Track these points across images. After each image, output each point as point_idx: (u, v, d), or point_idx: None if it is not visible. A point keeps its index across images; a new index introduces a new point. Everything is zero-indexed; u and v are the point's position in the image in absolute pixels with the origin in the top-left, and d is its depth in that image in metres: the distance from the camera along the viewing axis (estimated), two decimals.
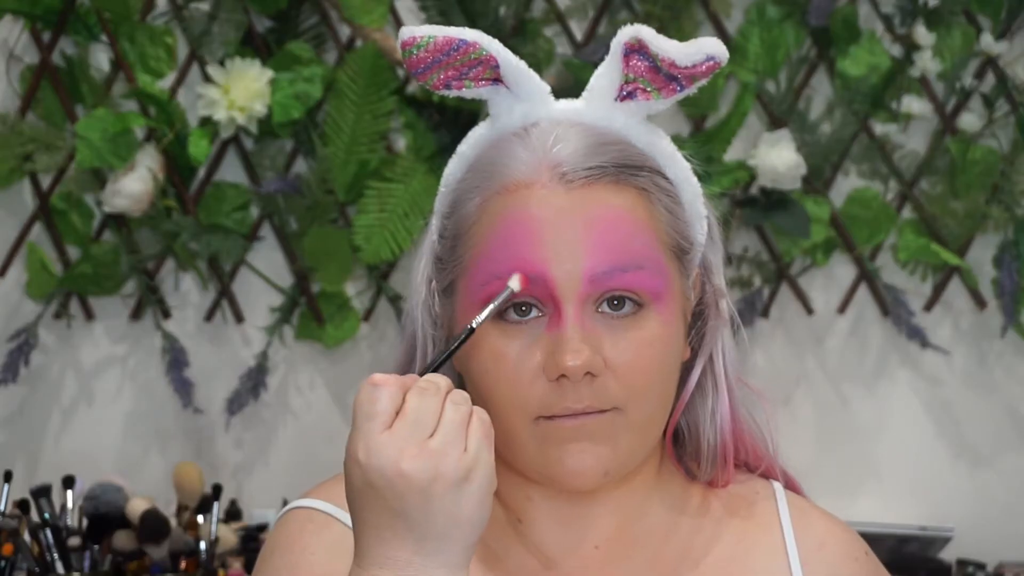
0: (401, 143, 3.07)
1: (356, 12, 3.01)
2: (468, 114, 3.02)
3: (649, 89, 1.33)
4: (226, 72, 2.99)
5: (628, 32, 1.32)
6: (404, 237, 3.02)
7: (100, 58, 3.09)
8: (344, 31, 3.08)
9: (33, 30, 3.06)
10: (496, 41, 1.33)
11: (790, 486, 1.44)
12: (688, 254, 1.35)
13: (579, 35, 3.05)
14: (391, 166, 3.04)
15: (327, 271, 3.05)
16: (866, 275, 3.07)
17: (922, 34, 3.00)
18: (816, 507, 1.43)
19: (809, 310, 3.09)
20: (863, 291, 3.10)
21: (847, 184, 3.08)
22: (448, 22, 3.04)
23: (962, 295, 3.09)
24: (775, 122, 3.04)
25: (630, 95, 1.34)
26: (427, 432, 1.16)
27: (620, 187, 1.31)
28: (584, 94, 1.36)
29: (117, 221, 3.05)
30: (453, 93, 1.34)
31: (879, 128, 3.05)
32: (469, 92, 1.34)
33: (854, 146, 3.06)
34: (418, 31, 1.32)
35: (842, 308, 3.10)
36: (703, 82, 1.33)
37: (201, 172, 3.08)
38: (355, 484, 1.17)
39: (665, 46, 1.31)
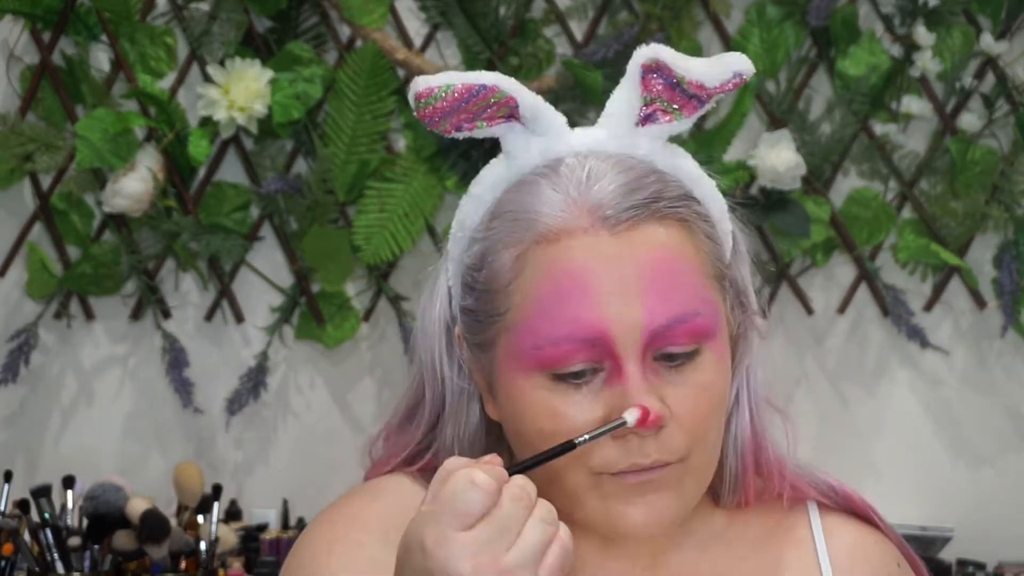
0: (401, 143, 3.07)
1: (356, 12, 3.01)
2: None
3: (669, 110, 1.28)
4: (226, 72, 2.99)
5: (645, 53, 1.26)
6: (404, 237, 3.03)
7: (100, 58, 3.09)
8: (344, 31, 3.08)
9: (33, 30, 3.06)
10: (513, 81, 1.27)
11: (846, 500, 1.39)
12: (726, 278, 1.30)
13: (579, 35, 3.05)
14: (391, 166, 3.04)
15: (327, 271, 3.05)
16: (866, 275, 3.07)
17: (922, 34, 3.00)
18: (851, 520, 1.39)
19: (809, 310, 3.09)
20: (863, 291, 3.10)
21: (847, 184, 3.08)
22: (448, 22, 3.04)
23: (962, 295, 3.09)
24: (775, 122, 3.04)
25: (650, 118, 1.28)
26: (506, 545, 1.08)
27: (664, 222, 1.25)
28: (601, 120, 1.30)
29: (117, 221, 3.05)
30: (464, 135, 1.29)
31: (879, 128, 3.06)
32: (481, 132, 1.28)
33: (854, 146, 3.06)
34: (434, 81, 1.27)
35: (842, 308, 3.10)
36: (721, 95, 1.28)
37: (201, 172, 3.08)
38: (410, 569, 1.10)
39: (691, 67, 1.25)
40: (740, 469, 1.35)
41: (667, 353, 1.24)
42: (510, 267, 1.25)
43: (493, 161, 1.31)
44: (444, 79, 1.27)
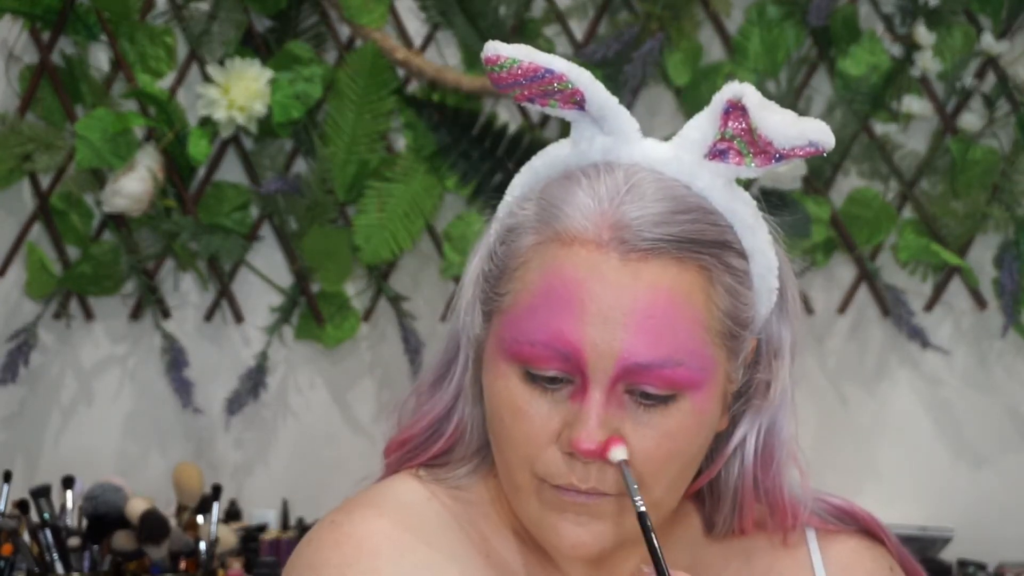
0: (401, 143, 3.07)
1: (356, 12, 3.01)
2: (468, 114, 3.02)
3: (744, 152, 1.25)
4: (226, 72, 2.99)
5: (733, 90, 1.23)
6: (404, 237, 3.02)
7: (100, 58, 3.09)
8: (344, 31, 3.07)
9: (32, 30, 3.06)
10: (586, 73, 1.24)
11: (852, 519, 1.39)
12: (738, 338, 1.27)
13: (579, 35, 3.05)
14: (391, 166, 3.04)
15: (327, 271, 3.05)
16: (866, 275, 3.07)
17: (922, 34, 3.00)
18: (847, 535, 1.39)
19: (809, 310, 3.08)
20: (863, 291, 3.09)
21: (847, 184, 3.07)
22: (448, 22, 3.04)
23: (962, 295, 3.09)
24: None
25: (721, 154, 1.26)
26: None
27: (682, 265, 1.22)
28: (675, 140, 1.27)
29: (117, 221, 3.05)
30: (536, 108, 1.27)
31: (879, 128, 3.05)
32: (553, 111, 1.26)
33: (854, 146, 3.06)
34: (503, 51, 1.24)
35: (842, 308, 3.09)
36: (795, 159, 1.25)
37: (201, 172, 3.08)
38: None
39: (767, 121, 1.22)
40: (736, 511, 1.34)
41: (641, 391, 1.22)
42: (523, 252, 1.25)
43: (563, 140, 1.30)
44: (513, 52, 1.24)
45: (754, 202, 1.30)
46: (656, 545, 1.19)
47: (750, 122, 1.23)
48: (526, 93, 1.26)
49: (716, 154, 1.26)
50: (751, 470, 1.33)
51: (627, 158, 1.26)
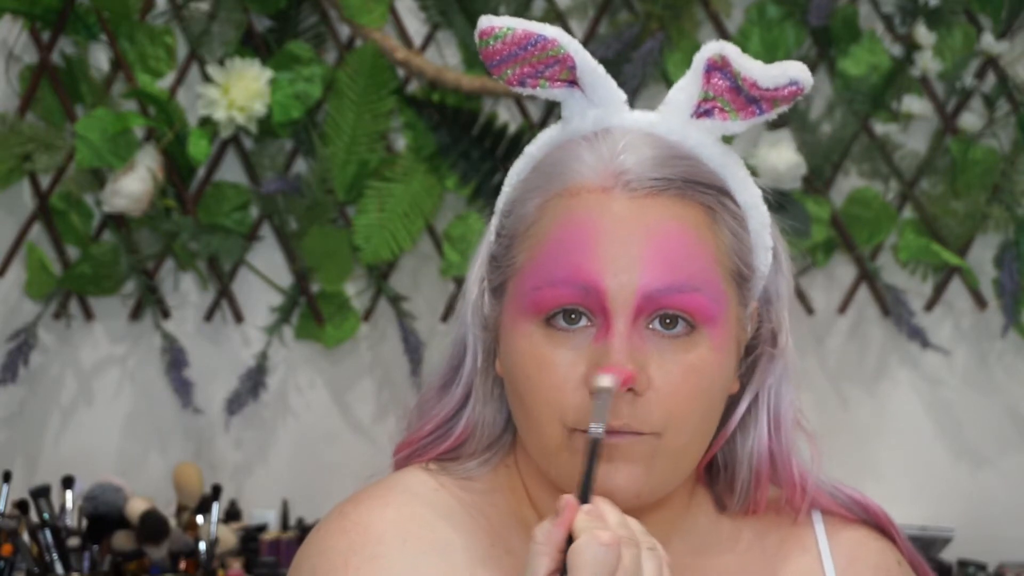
0: (401, 143, 3.07)
1: (356, 12, 3.01)
2: (468, 113, 3.02)
3: (727, 109, 1.30)
4: (226, 72, 2.99)
5: (712, 48, 1.28)
6: (404, 237, 3.02)
7: (99, 58, 3.09)
8: (344, 31, 3.07)
9: (32, 30, 3.06)
10: (575, 41, 1.29)
11: (867, 513, 1.40)
12: (748, 282, 1.33)
13: (579, 35, 3.05)
14: (391, 166, 3.04)
15: (327, 271, 3.05)
16: (866, 275, 3.07)
17: (923, 34, 3.00)
18: (855, 524, 1.40)
19: (809, 310, 3.08)
20: (863, 291, 3.09)
21: (847, 184, 3.08)
22: (448, 22, 3.04)
23: (963, 295, 3.09)
24: (775, 122, 3.04)
25: (707, 113, 1.30)
26: None
27: (685, 202, 1.27)
28: (660, 107, 1.32)
29: (117, 221, 3.05)
30: (527, 91, 1.31)
31: (879, 128, 3.05)
32: (543, 92, 1.31)
33: (854, 146, 3.06)
34: (497, 21, 1.29)
35: (842, 308, 3.10)
36: (783, 108, 1.29)
37: (201, 172, 3.08)
38: None
39: (748, 65, 1.27)
40: (752, 482, 1.36)
41: (663, 316, 1.25)
42: (531, 215, 1.29)
43: (552, 125, 1.34)
44: (507, 21, 1.29)
45: (742, 161, 1.34)
46: (593, 473, 1.20)
47: (733, 70, 1.27)
48: (519, 71, 1.29)
49: (702, 113, 1.31)
50: (765, 432, 1.35)
51: (619, 124, 1.31)
